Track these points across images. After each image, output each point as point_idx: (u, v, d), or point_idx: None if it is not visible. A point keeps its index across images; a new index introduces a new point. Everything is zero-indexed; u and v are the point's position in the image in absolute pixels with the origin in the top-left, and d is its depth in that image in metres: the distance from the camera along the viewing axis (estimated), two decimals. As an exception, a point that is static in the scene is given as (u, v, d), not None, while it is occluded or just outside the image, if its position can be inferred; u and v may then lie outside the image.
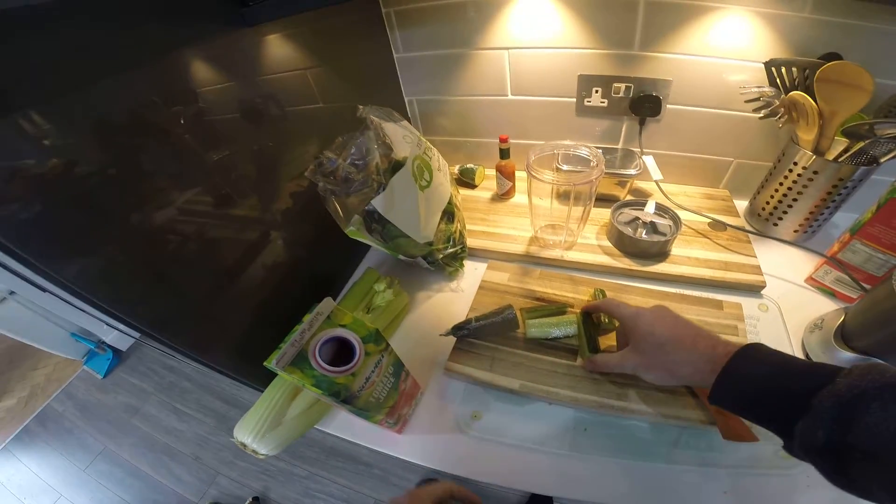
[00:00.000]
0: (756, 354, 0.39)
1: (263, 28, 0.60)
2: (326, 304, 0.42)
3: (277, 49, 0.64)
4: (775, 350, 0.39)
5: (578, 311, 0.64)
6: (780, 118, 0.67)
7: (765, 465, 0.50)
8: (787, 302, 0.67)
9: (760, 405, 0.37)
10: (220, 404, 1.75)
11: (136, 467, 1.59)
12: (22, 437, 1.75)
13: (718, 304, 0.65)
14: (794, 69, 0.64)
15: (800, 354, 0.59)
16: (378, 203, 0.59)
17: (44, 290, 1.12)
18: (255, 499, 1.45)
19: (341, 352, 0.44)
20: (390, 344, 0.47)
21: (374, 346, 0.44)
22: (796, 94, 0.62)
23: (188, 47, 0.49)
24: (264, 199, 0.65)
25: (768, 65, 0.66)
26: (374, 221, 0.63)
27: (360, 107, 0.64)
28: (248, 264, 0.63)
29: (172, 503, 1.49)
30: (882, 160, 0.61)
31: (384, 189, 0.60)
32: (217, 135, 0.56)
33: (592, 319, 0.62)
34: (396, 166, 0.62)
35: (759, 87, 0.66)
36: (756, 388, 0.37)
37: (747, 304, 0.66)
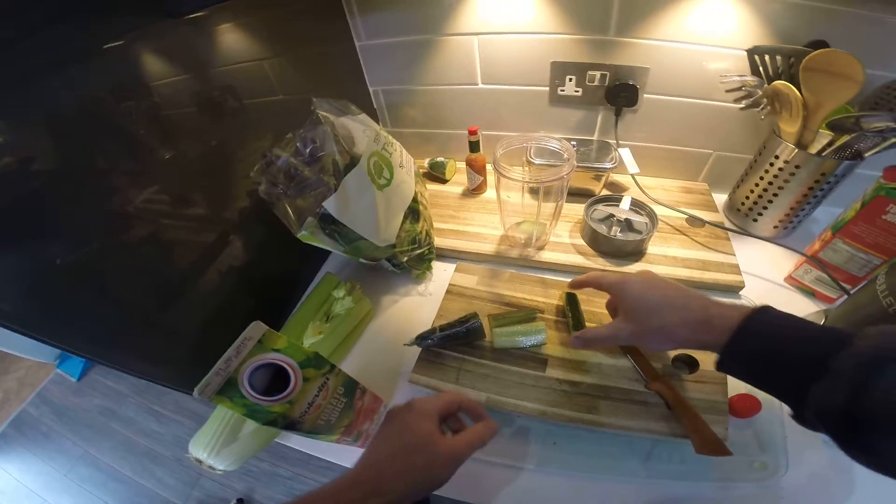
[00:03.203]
0: (770, 316, 0.38)
1: (211, 18, 0.57)
2: (255, 329, 0.38)
3: (229, 38, 0.61)
4: (785, 313, 0.38)
5: (549, 315, 0.62)
6: (762, 109, 0.63)
7: (739, 479, 0.48)
8: (766, 302, 0.64)
9: (774, 367, 0.36)
10: (198, 406, 1.70)
11: (118, 471, 1.55)
12: (-1, 443, 1.71)
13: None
14: (778, 57, 0.60)
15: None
16: (330, 205, 0.55)
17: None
18: (240, 500, 1.42)
19: (280, 376, 0.40)
20: (336, 365, 0.44)
21: (314, 370, 0.40)
22: (780, 83, 0.58)
23: (123, 42, 0.46)
24: (218, 199, 0.62)
25: (751, 52, 0.62)
26: (331, 224, 0.59)
27: (315, 99, 0.60)
28: (200, 270, 0.60)
29: (158, 506, 1.46)
30: (867, 154, 0.58)
31: (336, 190, 0.55)
32: (170, 130, 0.53)
33: (578, 300, 0.61)
34: (351, 164, 0.58)
35: (740, 75, 0.62)
36: (771, 350, 0.36)
37: (726, 305, 0.63)
